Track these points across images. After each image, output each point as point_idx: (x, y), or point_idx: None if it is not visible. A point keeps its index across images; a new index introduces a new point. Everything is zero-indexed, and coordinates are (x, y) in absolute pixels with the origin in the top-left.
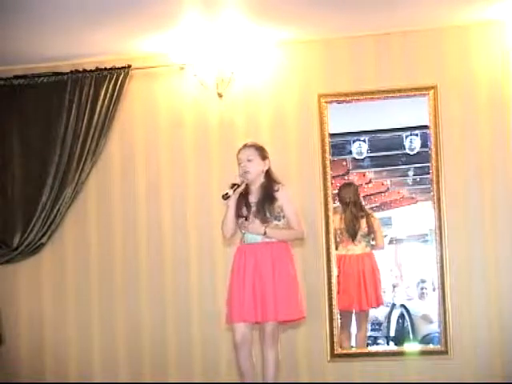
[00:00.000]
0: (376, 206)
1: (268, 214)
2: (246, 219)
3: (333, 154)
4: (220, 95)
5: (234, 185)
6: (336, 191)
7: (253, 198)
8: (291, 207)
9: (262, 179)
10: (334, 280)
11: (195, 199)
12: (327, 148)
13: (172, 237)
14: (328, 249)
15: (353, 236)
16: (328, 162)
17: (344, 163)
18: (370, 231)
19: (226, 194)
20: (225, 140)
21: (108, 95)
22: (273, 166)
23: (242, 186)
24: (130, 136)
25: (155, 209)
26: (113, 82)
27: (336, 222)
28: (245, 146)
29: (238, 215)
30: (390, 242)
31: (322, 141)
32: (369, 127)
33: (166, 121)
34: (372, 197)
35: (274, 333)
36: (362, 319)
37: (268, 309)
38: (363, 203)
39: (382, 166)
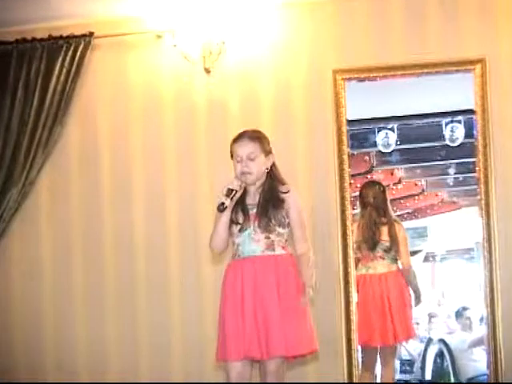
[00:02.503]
0: (407, 213)
1: (273, 220)
2: (242, 226)
3: (352, 147)
4: (207, 71)
5: (230, 191)
6: (357, 194)
7: (250, 200)
8: (299, 216)
9: (263, 178)
10: (354, 308)
11: (176, 202)
12: (345, 139)
13: (146, 252)
14: (346, 268)
15: (371, 248)
16: (346, 157)
17: (366, 158)
18: (393, 244)
19: (222, 204)
20: (214, 128)
21: (64, 71)
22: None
23: (241, 191)
24: (93, 122)
25: (125, 216)
26: (70, 53)
27: (354, 231)
28: (243, 136)
29: (232, 220)
30: (426, 258)
31: (339, 129)
32: (398, 112)
33: (139, 104)
34: (402, 201)
35: (278, 371)
36: (387, 357)
37: (272, 341)
38: (389, 208)
39: (415, 162)
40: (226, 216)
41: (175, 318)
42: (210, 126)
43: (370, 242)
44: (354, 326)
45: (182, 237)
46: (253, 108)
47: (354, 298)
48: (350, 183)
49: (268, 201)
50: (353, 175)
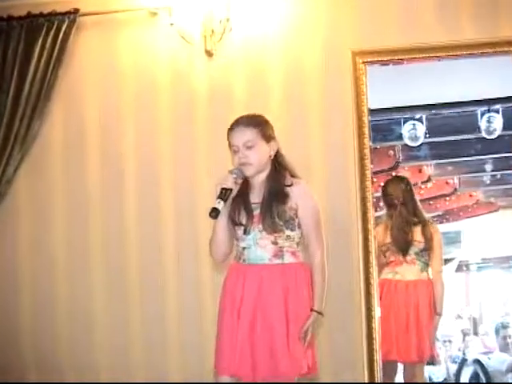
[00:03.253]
0: (438, 216)
1: (277, 219)
2: (246, 228)
3: (374, 140)
4: (209, 53)
5: (223, 191)
6: (379, 193)
7: (255, 198)
8: (312, 215)
9: (268, 168)
10: (377, 323)
11: (173, 201)
12: (366, 131)
13: (139, 257)
14: (368, 277)
15: (403, 250)
16: (367, 152)
17: (391, 153)
18: (428, 246)
19: (215, 210)
20: (216, 118)
21: (45, 54)
22: (286, 155)
23: (237, 188)
24: (79, 114)
25: (116, 221)
26: (52, 33)
27: (380, 234)
28: (238, 122)
29: (234, 222)
30: (459, 268)
31: (359, 120)
32: (427, 100)
33: (131, 91)
34: (431, 202)
35: None
36: (413, 376)
37: (278, 367)
38: (419, 205)
39: (447, 157)
40: (222, 220)
41: (172, 321)
42: (212, 115)
43: (403, 244)
44: (376, 345)
45: (179, 235)
46: (260, 96)
47: (377, 312)
48: (373, 182)
49: (271, 195)
50: (375, 172)
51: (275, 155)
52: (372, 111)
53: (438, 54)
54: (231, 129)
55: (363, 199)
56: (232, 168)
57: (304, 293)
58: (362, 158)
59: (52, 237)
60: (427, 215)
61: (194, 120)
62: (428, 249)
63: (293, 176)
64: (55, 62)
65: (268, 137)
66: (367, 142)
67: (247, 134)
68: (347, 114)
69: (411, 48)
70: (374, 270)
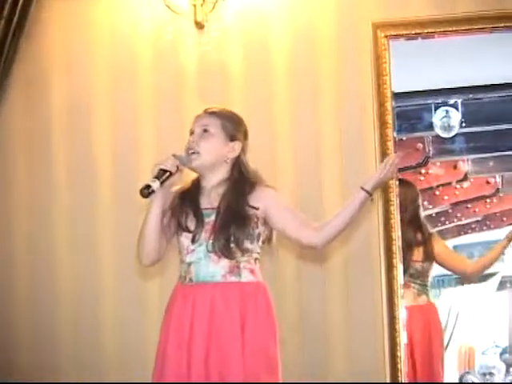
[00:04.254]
0: (476, 222)
1: (233, 245)
2: (195, 237)
3: (399, 130)
4: (200, 25)
5: (161, 172)
6: None
7: (206, 202)
8: (284, 207)
9: (225, 172)
10: (402, 353)
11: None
12: (389, 119)
13: (112, 255)
14: (391, 298)
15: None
16: (391, 144)
17: (419, 145)
18: (427, 267)
19: (148, 187)
20: (207, 98)
21: (2, 24)
22: (292, 149)
23: (176, 175)
24: (44, 98)
25: (88, 229)
26: (10, 1)
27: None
28: (205, 111)
29: (181, 227)
30: (502, 284)
31: (381, 106)
32: (463, 82)
33: (108, 70)
34: (469, 205)
35: None
36: None
37: None
38: (423, 221)
39: (487, 151)
40: (157, 206)
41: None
42: (202, 97)
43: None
44: (402, 378)
45: None
46: (260, 76)
47: (403, 337)
48: (399, 180)
49: (230, 216)
50: (401, 169)
51: (236, 162)
52: (396, 95)
53: (475, 27)
54: (196, 118)
55: (386, 203)
56: (177, 154)
57: (263, 320)
58: (384, 153)
59: (13, 231)
60: (462, 222)
61: (181, 102)
62: (427, 270)
63: (255, 183)
64: (15, 31)
65: (231, 135)
66: (390, 133)
67: (206, 120)
68: (366, 99)
69: (443, 20)
70: (399, 288)
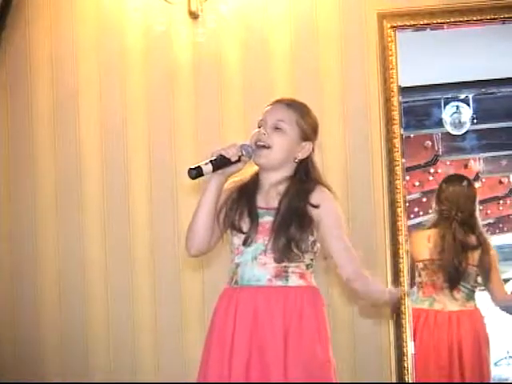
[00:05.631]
0: (488, 225)
1: (293, 244)
2: (247, 239)
3: (407, 127)
4: (194, 15)
5: (220, 157)
6: (417, 195)
7: (263, 202)
8: (340, 230)
9: (290, 171)
10: (410, 362)
11: (146, 193)
12: (396, 115)
13: (102, 251)
14: (398, 304)
15: (453, 282)
16: (398, 142)
17: (428, 143)
18: (482, 273)
19: (198, 168)
20: (202, 94)
21: None
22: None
23: (236, 167)
24: (28, 90)
25: (74, 237)
26: None
27: (417, 244)
28: (280, 101)
29: (234, 227)
30: None
31: (387, 101)
32: (474, 75)
33: (94, 62)
34: (481, 207)
35: None
36: None
37: None
38: (479, 221)
39: (500, 149)
40: (211, 192)
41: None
42: (197, 92)
43: (453, 275)
44: None
45: (153, 231)
46: (259, 69)
47: (410, 348)
48: (406, 181)
49: (291, 216)
50: (408, 169)
51: (305, 163)
52: (403, 90)
53: (487, 17)
54: (270, 104)
55: (393, 204)
56: (245, 143)
57: (310, 324)
58: (390, 151)
59: None
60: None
61: (174, 98)
62: (480, 276)
63: (316, 182)
64: None
65: (305, 133)
66: (397, 130)
67: (283, 113)
68: (372, 94)
69: (454, 9)
70: (406, 295)
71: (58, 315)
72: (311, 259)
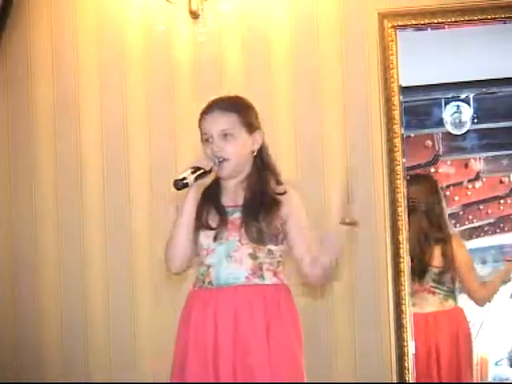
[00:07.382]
0: (488, 225)
1: (265, 229)
2: (218, 235)
3: (407, 126)
4: (195, 14)
5: (196, 169)
6: None
7: (229, 200)
8: (303, 228)
9: (248, 167)
10: (410, 362)
11: (147, 199)
12: (397, 115)
13: (100, 254)
14: (399, 305)
15: (419, 275)
16: (398, 142)
17: (429, 143)
18: (447, 270)
19: (183, 179)
20: (202, 94)
21: None
22: (294, 146)
23: (210, 175)
24: (28, 91)
25: (75, 244)
26: None
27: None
28: (213, 105)
29: (202, 224)
30: None
31: (388, 101)
32: (475, 75)
33: (94, 60)
34: (481, 206)
35: None
36: None
37: None
38: (446, 216)
39: (501, 149)
40: (185, 218)
41: None
42: (197, 93)
43: (418, 267)
44: None
45: (155, 238)
46: (260, 69)
47: (411, 347)
48: (407, 180)
49: (258, 198)
50: (409, 168)
51: (259, 152)
52: (404, 89)
53: (488, 16)
54: (204, 113)
55: (393, 203)
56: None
57: (288, 323)
58: (391, 151)
59: None
60: (474, 224)
61: (174, 98)
62: (448, 274)
63: (277, 179)
64: None
65: (251, 125)
66: (398, 130)
67: (224, 122)
68: (372, 94)
69: (455, 8)
70: (407, 295)
71: (58, 315)
72: (281, 256)
